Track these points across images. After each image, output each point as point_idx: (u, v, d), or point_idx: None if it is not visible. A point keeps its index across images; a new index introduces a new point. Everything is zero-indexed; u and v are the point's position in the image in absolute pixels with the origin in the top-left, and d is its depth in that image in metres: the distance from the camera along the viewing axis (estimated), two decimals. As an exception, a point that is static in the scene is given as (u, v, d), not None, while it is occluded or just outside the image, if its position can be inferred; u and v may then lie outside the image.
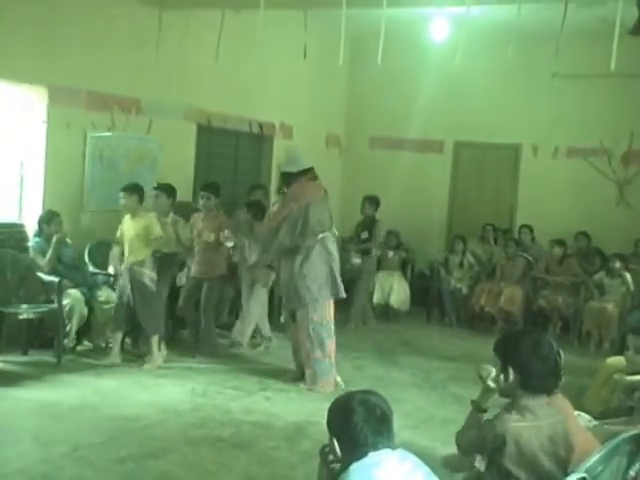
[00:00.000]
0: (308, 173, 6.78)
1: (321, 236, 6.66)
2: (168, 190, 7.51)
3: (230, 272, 8.00)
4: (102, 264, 7.68)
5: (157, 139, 8.83)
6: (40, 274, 7.15)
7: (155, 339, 7.11)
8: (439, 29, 10.12)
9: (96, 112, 8.11)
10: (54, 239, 7.15)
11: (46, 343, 7.06)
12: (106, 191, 8.06)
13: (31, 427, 5.44)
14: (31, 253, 7.33)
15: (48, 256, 7.17)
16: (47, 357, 6.93)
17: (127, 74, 8.36)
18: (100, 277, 7.66)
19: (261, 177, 10.87)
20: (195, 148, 9.63)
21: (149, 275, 7.06)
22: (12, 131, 7.64)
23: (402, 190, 11.52)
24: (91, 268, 7.69)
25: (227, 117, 9.82)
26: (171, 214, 7.52)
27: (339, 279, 6.77)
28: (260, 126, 10.47)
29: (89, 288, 7.42)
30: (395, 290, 10.02)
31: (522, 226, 10.51)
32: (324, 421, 2.76)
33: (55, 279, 7.00)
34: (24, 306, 6.93)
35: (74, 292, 7.21)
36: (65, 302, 7.02)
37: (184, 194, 8.55)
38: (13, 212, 7.64)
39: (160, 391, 6.44)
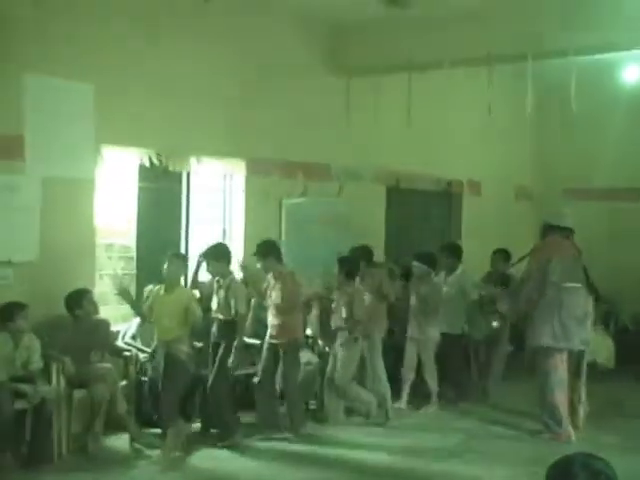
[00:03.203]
0: (563, 231, 7.10)
1: (556, 288, 6.80)
2: (213, 254, 6.68)
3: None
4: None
5: (348, 202, 9.04)
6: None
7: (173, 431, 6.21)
8: (631, 71, 9.73)
9: (289, 179, 8.47)
10: (252, 302, 7.38)
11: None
12: (301, 255, 8.31)
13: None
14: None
15: (249, 319, 7.42)
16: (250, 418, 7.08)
17: (318, 142, 8.67)
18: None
19: (451, 235, 10.80)
20: (385, 209, 9.77)
21: (185, 352, 6.37)
22: (215, 201, 8.14)
23: (600, 240, 10.99)
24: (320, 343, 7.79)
25: (415, 177, 9.90)
26: (231, 276, 6.72)
27: (570, 331, 6.80)
28: (448, 184, 10.46)
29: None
30: (599, 346, 9.49)
31: None
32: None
33: (257, 342, 7.26)
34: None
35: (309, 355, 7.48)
36: (266, 364, 7.24)
37: (377, 255, 8.61)
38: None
39: (356, 451, 6.46)
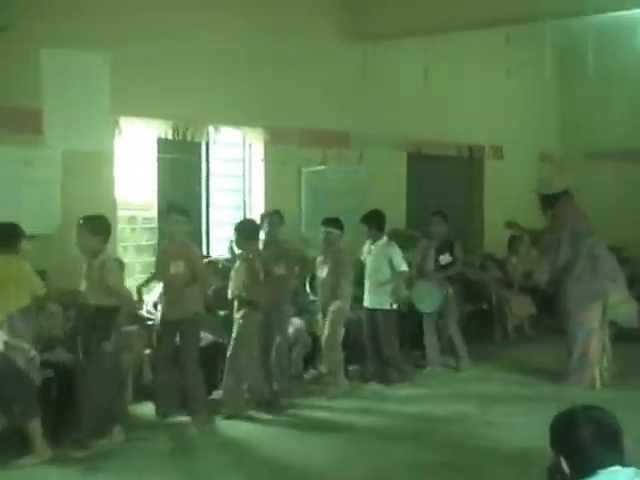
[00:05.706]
0: (569, 195, 7.54)
1: (585, 243, 7.23)
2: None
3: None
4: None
5: (367, 170, 9.03)
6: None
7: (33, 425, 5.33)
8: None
9: (308, 148, 8.47)
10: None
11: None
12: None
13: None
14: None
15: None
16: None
17: (336, 109, 8.65)
18: (317, 305, 7.82)
19: (473, 200, 10.77)
20: (406, 176, 9.74)
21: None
22: (235, 171, 8.19)
23: (625, 203, 10.89)
24: (311, 297, 7.92)
25: (436, 143, 9.86)
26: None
27: (605, 281, 7.24)
28: (469, 149, 10.40)
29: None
30: (621, 307, 9.36)
31: None
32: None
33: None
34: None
35: (296, 320, 7.49)
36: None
37: (398, 222, 8.61)
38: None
39: (386, 417, 6.53)
